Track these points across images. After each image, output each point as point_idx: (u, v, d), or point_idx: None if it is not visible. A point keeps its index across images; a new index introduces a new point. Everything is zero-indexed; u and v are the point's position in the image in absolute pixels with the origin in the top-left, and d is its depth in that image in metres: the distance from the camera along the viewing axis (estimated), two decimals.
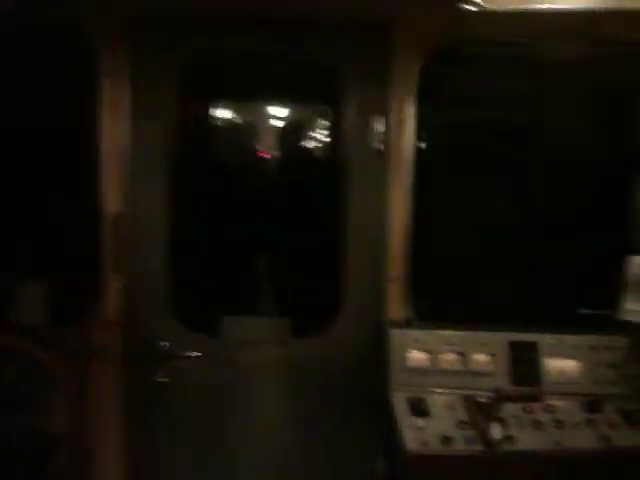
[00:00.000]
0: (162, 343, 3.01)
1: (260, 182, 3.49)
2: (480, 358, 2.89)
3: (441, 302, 3.16)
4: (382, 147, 3.01)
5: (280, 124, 3.43)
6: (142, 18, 2.92)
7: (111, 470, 3.08)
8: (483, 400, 2.73)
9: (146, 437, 3.11)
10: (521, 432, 2.62)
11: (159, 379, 3.00)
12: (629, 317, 2.81)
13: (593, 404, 2.74)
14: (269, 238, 3.38)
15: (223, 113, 3.53)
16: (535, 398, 2.67)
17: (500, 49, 3.04)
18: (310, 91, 3.38)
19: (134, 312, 3.03)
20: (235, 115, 3.53)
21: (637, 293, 2.78)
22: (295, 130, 3.45)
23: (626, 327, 2.85)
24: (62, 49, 3.07)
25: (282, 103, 3.46)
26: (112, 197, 2.97)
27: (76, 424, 2.77)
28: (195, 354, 3.03)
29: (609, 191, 3.01)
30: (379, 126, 3.01)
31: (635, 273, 2.78)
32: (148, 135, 2.99)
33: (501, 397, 2.63)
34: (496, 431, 2.54)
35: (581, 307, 3.07)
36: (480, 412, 2.67)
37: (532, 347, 2.90)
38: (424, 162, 3.06)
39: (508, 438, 2.57)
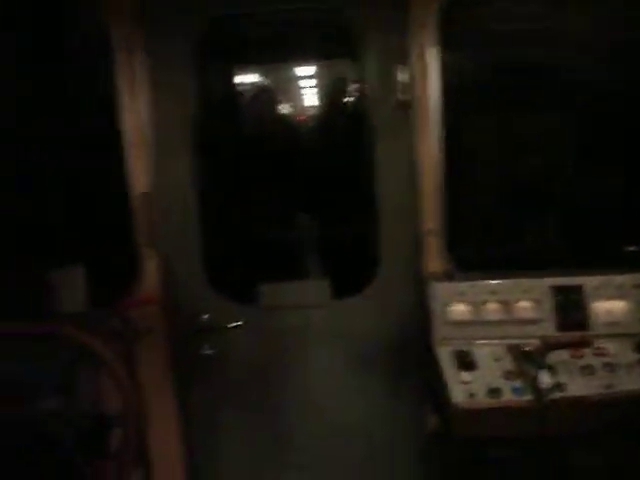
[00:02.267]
0: (203, 316, 3.03)
1: (289, 144, 3.44)
2: (524, 305, 2.82)
3: (480, 251, 3.10)
4: (407, 97, 2.91)
5: (309, 83, 3.36)
6: None
7: (166, 445, 3.14)
8: (529, 349, 2.68)
9: (197, 410, 3.16)
10: (571, 378, 2.56)
11: (204, 352, 3.03)
12: None
13: None
14: (302, 200, 3.34)
15: (249, 78, 3.47)
16: (583, 343, 2.60)
17: None
18: (331, 47, 3.28)
19: (172, 288, 3.04)
20: (262, 79, 3.47)
21: None
22: (323, 88, 3.37)
23: None
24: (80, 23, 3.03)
25: (308, 62, 3.38)
26: (139, 175, 2.95)
27: (127, 404, 2.81)
28: (236, 324, 3.04)
29: None
30: (402, 76, 2.90)
31: None
32: (169, 110, 2.94)
33: (548, 344, 2.57)
34: (545, 379, 2.50)
35: (626, 245, 2.97)
36: (527, 361, 2.62)
37: (577, 290, 2.82)
38: (452, 109, 2.96)
39: (558, 385, 2.51)
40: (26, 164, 3.09)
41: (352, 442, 3.18)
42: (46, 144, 3.08)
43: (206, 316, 3.03)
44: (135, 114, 2.91)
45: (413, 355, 3.03)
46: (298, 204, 3.34)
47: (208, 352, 3.03)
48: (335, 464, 3.20)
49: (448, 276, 2.96)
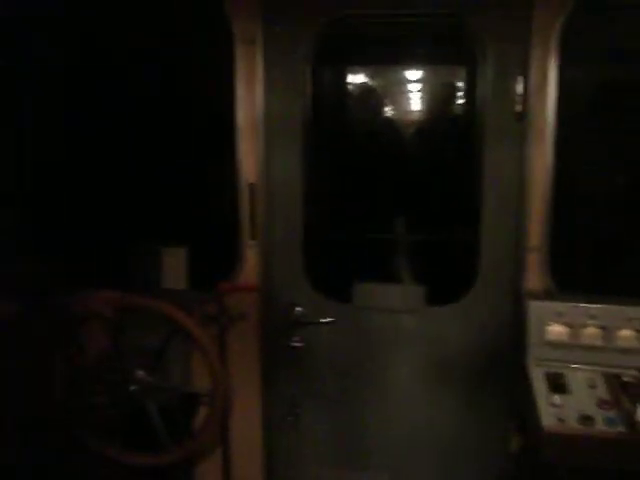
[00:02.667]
0: (297, 309, 3.08)
1: (395, 147, 3.45)
2: (625, 334, 2.72)
3: (584, 273, 3.01)
4: (522, 109, 2.86)
5: (416, 87, 3.35)
6: None
7: (247, 427, 3.21)
8: (628, 379, 2.59)
9: (280, 398, 3.22)
10: None
11: (293, 343, 3.08)
12: None
13: None
14: (404, 204, 3.34)
15: (358, 78, 3.49)
16: None
17: None
18: (445, 52, 3.26)
19: (270, 278, 3.10)
20: (370, 80, 3.48)
21: None
22: (431, 93, 3.36)
23: None
24: (202, 15, 3.12)
25: (417, 66, 3.37)
26: (248, 166, 3.01)
27: (216, 384, 2.89)
28: (328, 320, 3.07)
29: None
30: (518, 87, 2.85)
31: None
32: (282, 104, 2.99)
33: None
34: None
35: None
36: (624, 392, 2.54)
37: None
38: (567, 124, 2.89)
39: None
40: (150, 155, 3.23)
41: (431, 450, 3.17)
42: (165, 132, 3.21)
43: (299, 309, 3.07)
44: (250, 105, 2.97)
45: (502, 371, 2.98)
46: (400, 207, 3.34)
47: (297, 344, 3.08)
48: (411, 470, 3.19)
49: (548, 295, 2.89)
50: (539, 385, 2.65)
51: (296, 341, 3.09)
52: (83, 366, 2.94)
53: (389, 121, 3.53)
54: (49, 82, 3.17)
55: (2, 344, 2.74)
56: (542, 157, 2.86)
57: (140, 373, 2.94)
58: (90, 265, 3.07)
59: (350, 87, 3.47)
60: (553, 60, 2.80)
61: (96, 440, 3.01)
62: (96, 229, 3.20)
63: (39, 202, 3.19)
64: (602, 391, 2.60)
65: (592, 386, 2.62)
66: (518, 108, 2.86)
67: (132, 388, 2.93)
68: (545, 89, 2.82)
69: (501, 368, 2.99)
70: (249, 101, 2.97)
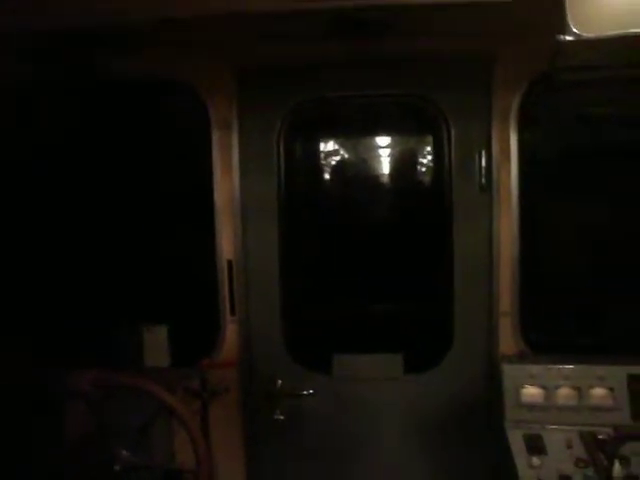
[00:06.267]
0: (278, 382, 3.11)
1: (369, 219, 3.54)
2: (598, 392, 2.80)
3: (555, 335, 3.09)
4: (486, 179, 3.00)
5: (388, 159, 3.47)
6: (248, 71, 3.05)
7: None
8: (603, 437, 2.64)
9: (264, 472, 3.22)
10: None
11: (275, 417, 3.10)
12: None
13: None
14: (380, 275, 3.42)
15: (330, 153, 3.60)
16: None
17: (599, 73, 2.95)
18: (411, 125, 3.41)
19: (251, 352, 3.16)
20: (342, 153, 3.60)
21: None
22: (402, 165, 3.48)
23: None
24: (176, 103, 3.27)
25: (386, 137, 3.49)
26: (226, 243, 3.11)
27: (199, 461, 2.89)
28: (309, 392, 3.11)
29: None
30: (482, 158, 3.00)
31: None
32: (258, 183, 3.12)
33: (622, 434, 2.52)
34: (618, 470, 2.45)
35: None
36: (600, 450, 2.58)
37: None
38: (530, 191, 3.03)
39: (631, 478, 2.46)
40: (133, 232, 3.33)
41: None
42: (143, 213, 3.31)
43: (280, 382, 3.11)
44: (227, 186, 3.09)
45: (480, 434, 3.03)
46: (376, 278, 3.42)
47: (279, 417, 3.11)
48: None
49: (521, 358, 2.97)
50: (517, 447, 2.69)
51: (278, 414, 3.12)
52: (65, 446, 2.93)
53: (362, 194, 3.63)
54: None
55: None
56: (508, 226, 3.00)
57: (124, 453, 2.93)
58: (71, 344, 3.10)
59: (323, 162, 3.58)
60: (514, 134, 2.96)
61: None
62: (77, 308, 3.25)
63: (20, 282, 3.25)
64: (579, 450, 2.64)
65: (569, 445, 2.67)
66: (482, 181, 3.01)
67: (116, 468, 2.92)
68: (507, 161, 2.97)
69: (479, 431, 3.03)
70: (226, 182, 3.09)
